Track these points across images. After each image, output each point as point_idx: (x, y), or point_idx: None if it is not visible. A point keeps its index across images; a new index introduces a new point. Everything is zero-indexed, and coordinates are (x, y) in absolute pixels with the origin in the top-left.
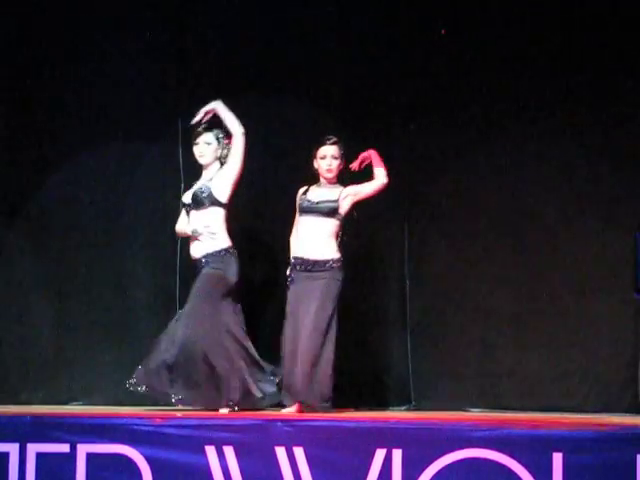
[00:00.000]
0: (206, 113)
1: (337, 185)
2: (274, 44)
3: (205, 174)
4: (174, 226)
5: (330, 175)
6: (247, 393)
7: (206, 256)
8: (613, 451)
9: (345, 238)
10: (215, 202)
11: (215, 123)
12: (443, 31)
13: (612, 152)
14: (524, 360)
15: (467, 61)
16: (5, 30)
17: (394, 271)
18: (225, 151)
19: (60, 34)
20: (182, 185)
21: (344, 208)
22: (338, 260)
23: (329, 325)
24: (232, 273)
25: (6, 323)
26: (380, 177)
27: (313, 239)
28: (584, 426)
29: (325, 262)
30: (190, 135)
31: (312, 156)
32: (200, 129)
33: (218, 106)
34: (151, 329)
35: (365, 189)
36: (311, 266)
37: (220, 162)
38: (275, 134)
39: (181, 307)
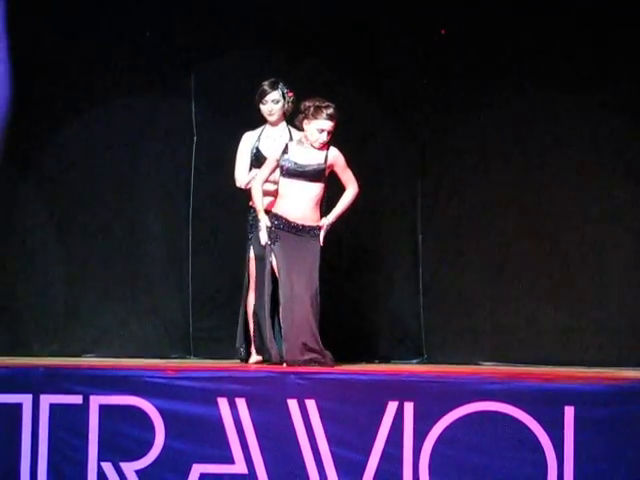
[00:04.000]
0: None
1: None
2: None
3: (274, 131)
4: (188, 179)
5: (321, 146)
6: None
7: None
8: (625, 405)
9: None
10: None
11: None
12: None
13: (621, 104)
14: (537, 314)
15: (483, 14)
16: None
17: (406, 226)
18: (291, 105)
19: None
20: (195, 139)
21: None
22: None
23: (317, 293)
24: None
25: (19, 275)
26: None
27: (301, 204)
28: (596, 379)
29: (312, 228)
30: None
31: (302, 113)
32: (266, 87)
33: None
34: (163, 281)
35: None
36: (298, 230)
37: (284, 115)
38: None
39: (194, 260)
